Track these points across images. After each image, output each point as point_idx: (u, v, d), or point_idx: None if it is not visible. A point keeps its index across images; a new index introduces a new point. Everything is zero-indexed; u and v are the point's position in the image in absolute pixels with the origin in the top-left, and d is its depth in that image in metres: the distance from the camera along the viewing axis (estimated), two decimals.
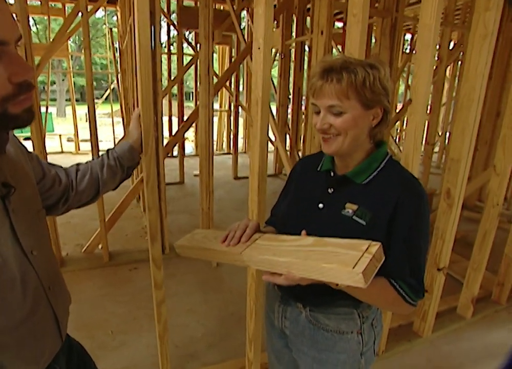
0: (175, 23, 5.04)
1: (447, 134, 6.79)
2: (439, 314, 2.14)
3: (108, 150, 1.09)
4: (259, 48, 1.16)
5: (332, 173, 0.90)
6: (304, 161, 1.04)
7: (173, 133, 5.70)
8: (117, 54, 5.57)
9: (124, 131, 5.13)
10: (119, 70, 4.97)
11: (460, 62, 6.15)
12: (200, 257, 0.88)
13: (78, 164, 1.04)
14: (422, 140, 1.55)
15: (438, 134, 6.66)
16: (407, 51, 6.50)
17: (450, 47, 4.86)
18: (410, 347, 2.02)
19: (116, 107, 13.13)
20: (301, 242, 0.74)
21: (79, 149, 7.58)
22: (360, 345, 0.91)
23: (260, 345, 1.57)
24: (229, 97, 7.14)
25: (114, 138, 7.38)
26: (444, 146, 6.78)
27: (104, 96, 8.90)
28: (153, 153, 1.14)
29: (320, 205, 0.88)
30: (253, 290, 1.46)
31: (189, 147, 8.26)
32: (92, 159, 1.08)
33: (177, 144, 4.21)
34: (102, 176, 1.03)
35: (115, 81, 7.84)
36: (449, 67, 6.07)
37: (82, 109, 14.83)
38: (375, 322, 0.94)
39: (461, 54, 4.84)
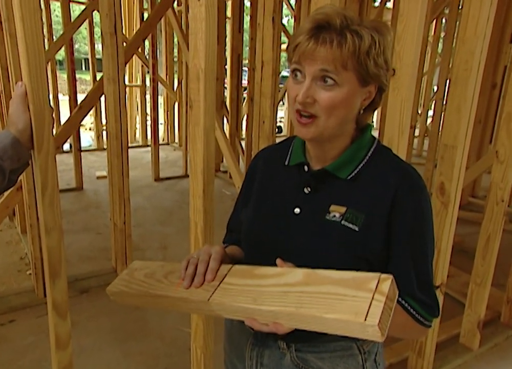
0: None
1: (429, 113, 7.28)
2: (438, 346, 2.26)
3: None
4: None
5: (307, 168, 0.92)
6: (265, 154, 1.07)
7: (62, 119, 5.45)
8: None
9: None
10: None
11: (444, 20, 6.60)
12: (146, 306, 0.86)
13: None
14: (410, 121, 1.62)
15: (418, 113, 7.09)
16: (376, 4, 6.78)
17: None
18: None
19: None
20: (287, 278, 0.75)
21: None
22: None
23: None
24: (142, 67, 7.01)
25: None
26: (426, 129, 7.25)
27: None
28: (52, 149, 1.09)
29: (296, 210, 0.90)
30: (201, 334, 1.45)
31: (87, 138, 7.97)
32: None
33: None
34: None
35: None
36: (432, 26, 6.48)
37: None
38: (378, 357, 0.97)
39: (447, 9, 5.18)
